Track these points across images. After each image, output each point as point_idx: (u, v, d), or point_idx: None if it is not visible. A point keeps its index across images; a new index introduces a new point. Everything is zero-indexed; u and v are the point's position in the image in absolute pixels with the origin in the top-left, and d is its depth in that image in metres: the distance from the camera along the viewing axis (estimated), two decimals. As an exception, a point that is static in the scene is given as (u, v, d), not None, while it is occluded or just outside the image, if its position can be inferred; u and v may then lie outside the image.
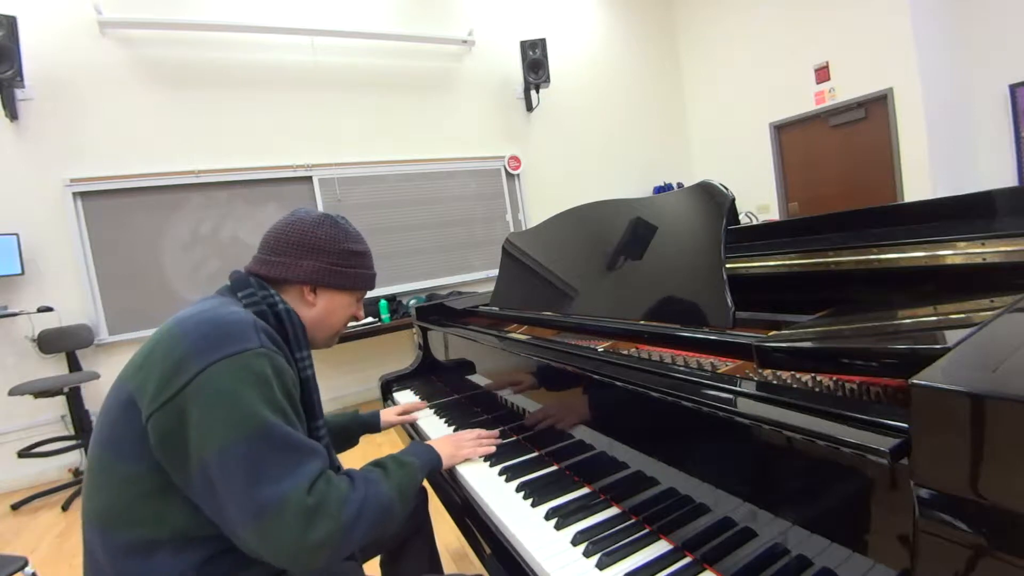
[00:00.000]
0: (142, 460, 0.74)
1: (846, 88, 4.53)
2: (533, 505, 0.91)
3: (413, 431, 1.49)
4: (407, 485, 0.91)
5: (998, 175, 4.14)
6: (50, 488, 3.08)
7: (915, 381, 0.42)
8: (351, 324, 1.10)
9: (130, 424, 0.75)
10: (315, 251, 0.96)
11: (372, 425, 1.39)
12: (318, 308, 0.98)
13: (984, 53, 4.12)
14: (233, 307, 0.85)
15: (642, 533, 0.77)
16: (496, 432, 1.22)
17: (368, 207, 4.32)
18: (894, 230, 0.96)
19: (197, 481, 0.73)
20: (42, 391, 2.93)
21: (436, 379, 1.88)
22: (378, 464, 0.93)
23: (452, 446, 1.12)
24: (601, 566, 0.71)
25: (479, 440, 1.17)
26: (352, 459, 1.05)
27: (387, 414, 1.45)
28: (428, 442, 1.10)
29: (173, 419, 0.73)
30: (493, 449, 1.16)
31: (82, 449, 3.29)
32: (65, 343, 3.29)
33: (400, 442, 1.53)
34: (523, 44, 4.77)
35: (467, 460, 1.12)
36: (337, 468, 0.90)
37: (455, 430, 1.35)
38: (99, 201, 3.53)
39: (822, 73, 4.68)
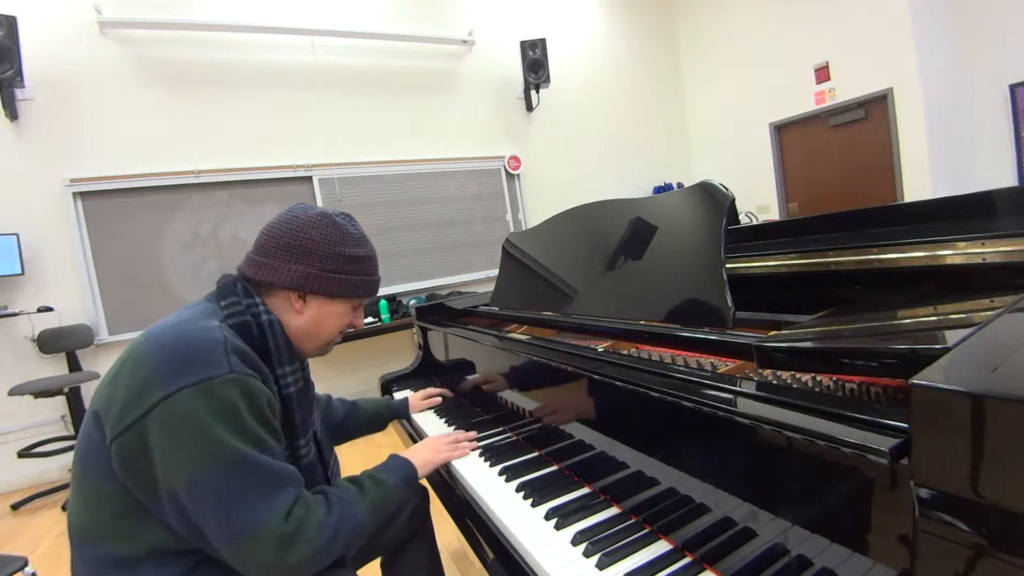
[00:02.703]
0: (112, 479, 0.73)
1: (846, 88, 4.53)
2: (533, 505, 0.91)
3: (412, 430, 1.49)
4: (380, 503, 0.91)
5: (998, 175, 4.14)
6: (50, 488, 3.08)
7: (915, 381, 0.42)
8: (351, 331, 1.06)
9: (99, 443, 0.74)
10: (306, 254, 0.88)
11: (402, 411, 1.50)
12: (306, 317, 0.92)
13: (984, 53, 4.12)
14: (209, 321, 0.80)
15: (642, 533, 0.77)
16: (473, 434, 1.23)
17: (368, 207, 4.32)
18: (894, 230, 0.96)
19: (167, 506, 0.72)
20: (42, 391, 2.93)
21: (436, 379, 1.88)
22: (354, 481, 0.93)
23: (428, 452, 1.11)
24: (601, 566, 0.71)
25: (455, 444, 1.16)
26: (353, 457, 1.05)
27: (414, 399, 1.54)
28: (405, 453, 1.09)
29: (135, 445, 0.71)
30: (468, 452, 1.17)
31: (82, 449, 3.29)
32: (65, 343, 3.29)
33: (400, 442, 1.54)
34: (523, 44, 4.77)
35: (447, 462, 1.13)
36: (322, 487, 0.89)
37: (454, 430, 1.35)
38: (99, 201, 3.53)
39: (822, 73, 4.68)
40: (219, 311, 0.85)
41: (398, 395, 1.84)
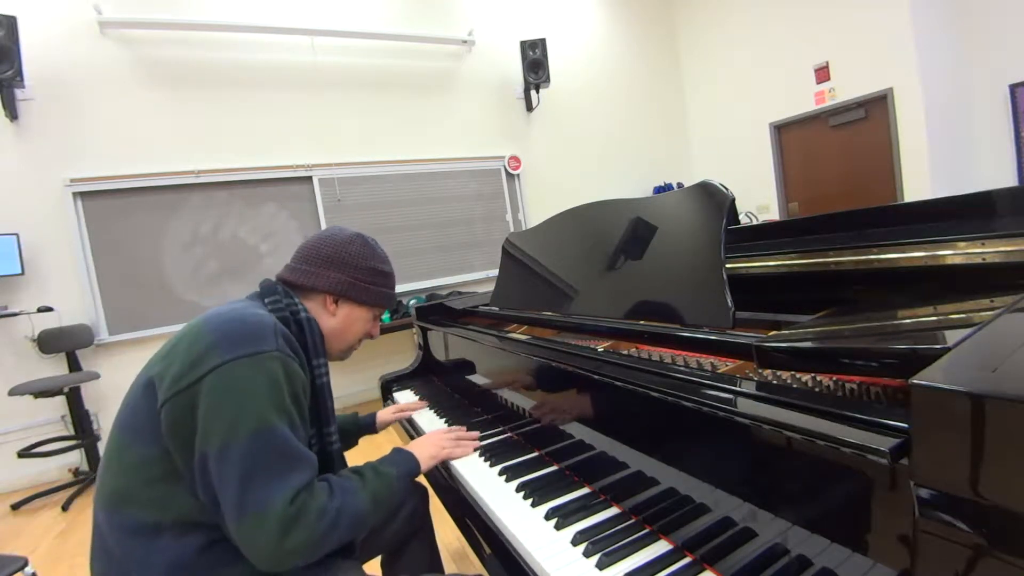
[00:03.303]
0: (155, 445, 0.78)
1: (846, 88, 4.53)
2: (533, 505, 0.91)
3: (412, 429, 1.49)
4: (383, 494, 0.92)
5: (998, 175, 4.14)
6: (50, 488, 3.08)
7: (915, 381, 0.42)
8: (368, 340, 1.15)
9: (147, 409, 0.80)
10: (343, 265, 1.02)
11: (369, 427, 1.42)
12: (338, 319, 1.04)
13: (984, 53, 4.12)
14: (259, 310, 0.90)
15: (642, 533, 0.77)
16: (476, 434, 1.23)
17: (368, 207, 4.32)
18: (894, 230, 0.96)
19: (196, 471, 0.77)
20: (42, 391, 2.93)
21: (436, 379, 1.88)
22: (357, 471, 0.94)
23: (432, 447, 1.12)
24: (601, 566, 0.71)
25: (457, 441, 1.18)
26: (352, 457, 1.06)
27: (383, 414, 1.47)
28: (408, 447, 1.10)
29: (185, 408, 0.77)
30: (471, 450, 1.18)
31: (82, 449, 3.29)
32: (65, 343, 3.29)
33: (400, 441, 1.54)
34: (523, 44, 4.77)
35: (449, 459, 1.14)
36: (325, 476, 0.90)
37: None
38: (99, 201, 3.53)
39: (822, 73, 4.68)
40: (263, 307, 0.93)
41: (398, 395, 1.85)
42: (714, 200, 0.96)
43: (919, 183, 4.16)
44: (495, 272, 1.80)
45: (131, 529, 0.78)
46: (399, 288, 4.38)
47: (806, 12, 4.71)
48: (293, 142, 4.10)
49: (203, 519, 0.79)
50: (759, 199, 5.35)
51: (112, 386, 3.48)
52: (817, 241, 1.05)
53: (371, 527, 1.03)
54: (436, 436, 1.17)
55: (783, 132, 5.19)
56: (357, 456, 1.13)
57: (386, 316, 4.13)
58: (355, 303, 1.04)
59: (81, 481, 3.12)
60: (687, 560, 0.70)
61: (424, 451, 1.09)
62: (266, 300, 0.95)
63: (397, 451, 1.07)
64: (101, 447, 3.26)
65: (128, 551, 0.78)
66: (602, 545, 0.75)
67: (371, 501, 0.89)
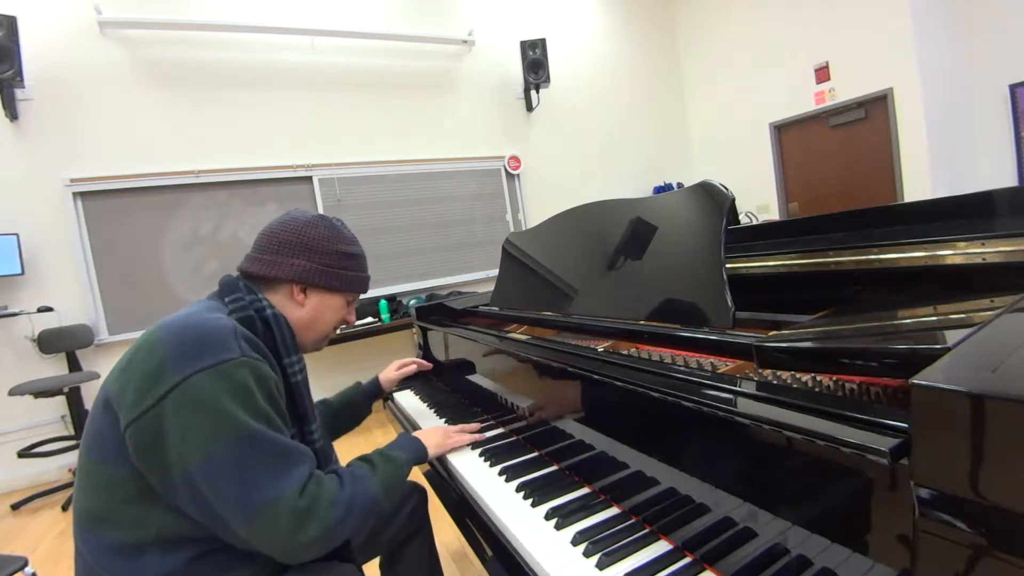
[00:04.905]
0: (123, 465, 0.74)
1: (846, 88, 4.53)
2: (533, 505, 0.91)
3: (407, 424, 1.49)
4: (393, 480, 0.92)
5: (998, 175, 4.14)
6: (50, 488, 3.08)
7: (915, 381, 0.42)
8: (344, 328, 1.12)
9: (110, 429, 0.75)
10: (307, 250, 0.95)
11: (375, 390, 1.42)
12: (307, 309, 0.97)
13: (984, 53, 4.12)
14: (217, 313, 0.84)
15: (642, 533, 0.77)
16: (477, 426, 1.26)
17: (368, 207, 4.32)
18: (894, 230, 0.96)
19: (181, 489, 0.72)
20: (42, 391, 2.93)
21: (436, 379, 1.88)
22: (365, 459, 0.94)
23: (439, 436, 1.13)
24: (601, 566, 0.71)
25: (464, 432, 1.20)
26: (347, 453, 1.06)
27: (387, 373, 1.47)
28: (415, 433, 1.11)
29: (152, 429, 0.72)
30: (478, 437, 1.20)
31: (82, 449, 3.29)
32: (65, 343, 3.29)
33: (394, 432, 1.53)
34: (523, 44, 4.77)
35: (455, 450, 1.15)
36: (334, 466, 0.90)
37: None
38: (99, 201, 3.53)
39: (822, 73, 4.68)
40: (223, 307, 0.87)
41: (398, 395, 1.85)
42: (714, 200, 0.96)
43: (919, 183, 4.16)
44: (495, 272, 1.79)
45: (112, 549, 0.75)
46: (399, 288, 4.39)
47: (806, 12, 4.71)
48: (293, 142, 4.10)
49: (187, 534, 0.76)
50: (759, 199, 5.35)
51: (112, 386, 3.48)
52: (817, 241, 1.05)
53: (370, 528, 1.03)
54: (442, 428, 1.19)
55: (783, 132, 5.19)
56: (351, 453, 1.13)
57: (386, 316, 4.12)
58: (324, 290, 0.97)
59: (81, 481, 3.12)
60: (687, 560, 0.70)
61: (431, 439, 1.10)
62: (227, 299, 0.89)
63: (404, 436, 1.07)
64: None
65: (111, 570, 0.75)
66: (602, 545, 0.75)
67: (382, 486, 0.88)
